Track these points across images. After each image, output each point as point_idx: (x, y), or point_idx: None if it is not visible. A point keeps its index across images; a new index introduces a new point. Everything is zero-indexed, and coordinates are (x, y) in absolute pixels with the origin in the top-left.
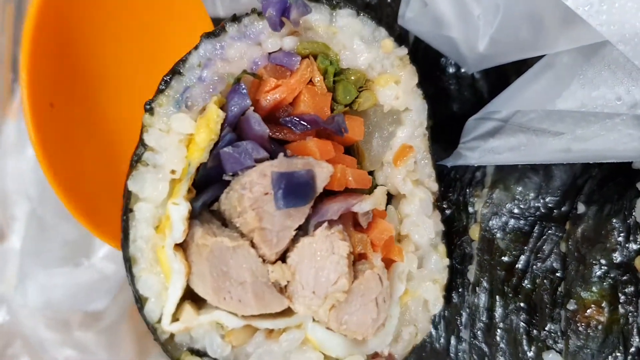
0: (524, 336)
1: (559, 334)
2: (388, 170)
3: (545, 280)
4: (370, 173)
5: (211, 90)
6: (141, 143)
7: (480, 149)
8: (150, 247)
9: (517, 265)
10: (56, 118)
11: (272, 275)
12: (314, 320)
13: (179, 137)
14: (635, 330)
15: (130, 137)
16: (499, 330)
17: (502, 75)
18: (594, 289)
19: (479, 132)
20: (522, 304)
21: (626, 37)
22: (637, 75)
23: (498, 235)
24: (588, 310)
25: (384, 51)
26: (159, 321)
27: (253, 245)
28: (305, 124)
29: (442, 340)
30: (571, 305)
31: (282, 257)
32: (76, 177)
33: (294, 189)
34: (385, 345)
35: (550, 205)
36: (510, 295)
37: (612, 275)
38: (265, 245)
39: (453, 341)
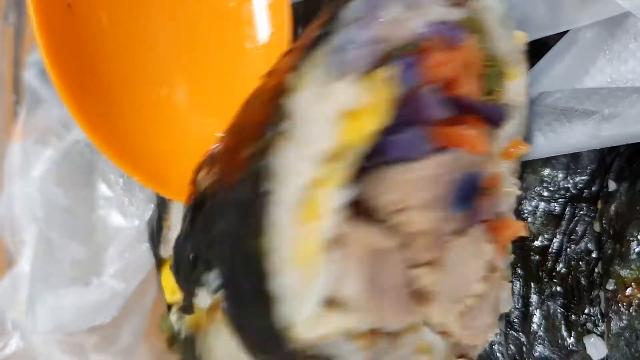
0: (563, 321)
1: (599, 316)
2: (492, 167)
3: (580, 262)
4: None
5: (371, 57)
6: (277, 109)
7: None
8: (292, 236)
9: (550, 249)
10: (74, 23)
11: (423, 279)
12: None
13: (338, 111)
14: None
15: (179, 57)
16: (535, 317)
17: None
18: (633, 266)
19: None
20: (558, 289)
21: None
22: None
23: (529, 219)
24: (628, 289)
25: (516, 41)
26: (288, 327)
27: (403, 247)
28: (462, 108)
29: None
30: (610, 285)
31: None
32: (99, 102)
33: (469, 192)
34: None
35: (580, 185)
36: (545, 280)
37: None
38: (427, 251)
39: None
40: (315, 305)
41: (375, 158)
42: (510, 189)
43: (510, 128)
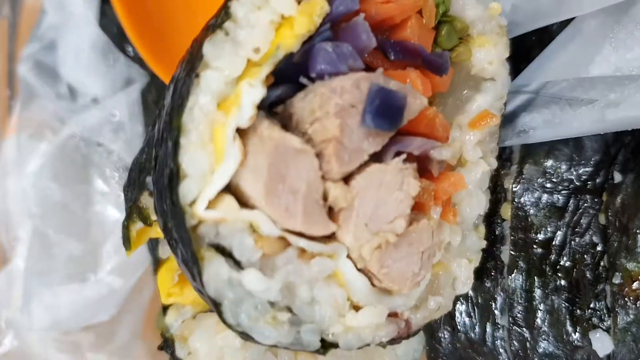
0: (568, 316)
1: (605, 311)
2: (456, 134)
3: (585, 256)
4: None
5: None
6: (225, 10)
7: (514, 124)
8: (207, 121)
9: (554, 242)
10: None
11: (332, 193)
12: (348, 256)
13: (272, 17)
14: None
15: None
16: (539, 312)
17: (524, 50)
18: (639, 260)
19: (510, 106)
20: (562, 283)
21: None
22: None
23: (531, 211)
24: (635, 283)
25: (490, 13)
26: (192, 204)
27: (318, 158)
28: (407, 52)
29: (477, 328)
30: (617, 279)
31: (345, 180)
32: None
33: (386, 110)
34: (407, 307)
35: (583, 177)
36: (550, 274)
37: None
38: (337, 160)
39: (489, 328)
40: (217, 187)
41: (295, 69)
42: (474, 159)
43: (481, 98)
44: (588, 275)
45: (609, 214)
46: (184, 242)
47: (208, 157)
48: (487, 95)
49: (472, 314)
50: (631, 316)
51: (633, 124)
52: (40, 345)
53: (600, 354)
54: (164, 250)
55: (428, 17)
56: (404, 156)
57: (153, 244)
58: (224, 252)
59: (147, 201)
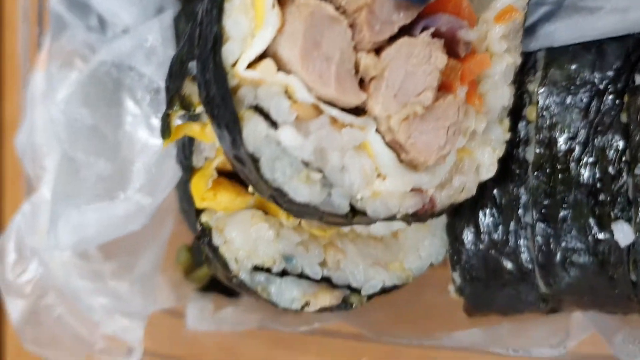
0: (590, 210)
1: (626, 204)
2: (483, 27)
3: (608, 151)
4: None
5: None
6: None
7: (537, 34)
8: None
9: (577, 140)
10: None
11: (364, 62)
12: (377, 131)
13: None
14: None
15: None
16: (563, 207)
17: None
18: None
19: (533, 18)
20: (585, 178)
21: None
22: None
23: (556, 111)
24: None
25: None
26: (234, 65)
27: (351, 28)
28: None
29: (500, 229)
30: (639, 170)
31: (376, 52)
32: None
33: None
34: (432, 185)
35: (605, 80)
36: (572, 169)
37: None
38: (368, 29)
39: (512, 227)
40: (257, 50)
41: None
42: (500, 52)
43: None
44: (610, 170)
45: (631, 112)
46: (227, 103)
47: (249, 22)
48: None
49: (495, 214)
50: None
51: None
52: (64, 272)
53: (622, 244)
54: (199, 159)
55: None
56: (432, 29)
57: (186, 154)
58: (262, 114)
59: (189, 89)
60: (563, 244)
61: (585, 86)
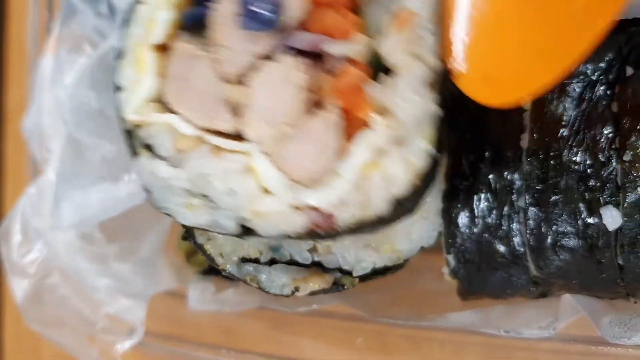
0: (580, 195)
1: (615, 189)
2: (388, 38)
3: (599, 139)
4: None
5: None
6: None
7: None
8: (136, 43)
9: (570, 128)
10: None
11: (229, 92)
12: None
13: None
14: None
15: None
16: (554, 193)
17: None
18: None
19: None
20: (576, 165)
21: None
22: None
23: (550, 100)
24: None
25: None
26: (125, 109)
27: (216, 62)
28: None
29: (494, 212)
30: (627, 157)
31: (244, 81)
32: None
33: (254, 13)
34: (327, 203)
35: (598, 71)
36: (565, 156)
37: None
38: (224, 64)
39: (506, 212)
40: (142, 95)
41: None
42: (403, 62)
43: None
44: (600, 157)
45: (621, 102)
46: (127, 143)
47: (136, 72)
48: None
49: (489, 199)
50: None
51: None
52: (68, 254)
53: (610, 228)
54: None
55: None
56: (292, 52)
57: None
58: (151, 150)
59: None
60: (554, 228)
61: (579, 76)
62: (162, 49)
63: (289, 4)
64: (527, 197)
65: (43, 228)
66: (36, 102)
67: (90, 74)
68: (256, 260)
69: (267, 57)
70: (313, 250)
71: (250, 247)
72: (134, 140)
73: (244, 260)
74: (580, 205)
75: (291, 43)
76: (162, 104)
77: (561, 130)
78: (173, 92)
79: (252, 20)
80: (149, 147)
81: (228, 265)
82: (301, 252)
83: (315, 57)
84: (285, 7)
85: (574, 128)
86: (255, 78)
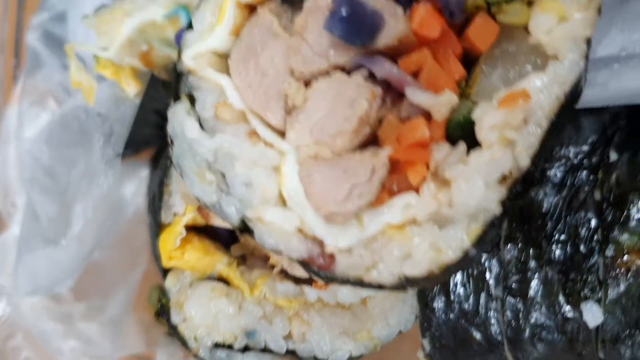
0: (560, 288)
1: (596, 283)
2: (488, 109)
3: (580, 229)
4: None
5: None
6: None
7: None
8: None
9: (551, 216)
10: None
11: (288, 87)
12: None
13: None
14: None
15: None
16: (533, 283)
17: None
18: (632, 233)
19: None
20: (557, 255)
21: None
22: None
23: (530, 185)
24: (626, 256)
25: None
26: (183, 51)
27: (292, 51)
28: None
29: (471, 299)
30: (610, 252)
31: (308, 82)
32: None
33: (353, 21)
34: (335, 244)
35: (580, 155)
36: (545, 246)
37: None
38: (298, 57)
39: (483, 299)
40: (208, 45)
41: None
42: (487, 141)
43: (536, 78)
44: (582, 248)
45: (604, 190)
46: (174, 83)
47: (212, 18)
48: (546, 76)
49: (466, 284)
50: (622, 288)
51: (633, 94)
52: (33, 313)
53: (590, 325)
54: (167, 215)
55: None
56: (365, 71)
57: (155, 208)
58: (192, 102)
59: None
60: (532, 320)
61: (560, 160)
62: (249, 7)
63: (388, 27)
64: (504, 286)
65: (7, 285)
66: (1, 154)
67: (49, 131)
68: (230, 346)
69: (341, 68)
70: (288, 337)
71: (226, 329)
72: (181, 84)
73: (218, 345)
74: (561, 298)
75: (371, 67)
76: (225, 60)
77: (541, 219)
78: (238, 58)
79: (342, 26)
80: (192, 99)
81: (201, 350)
82: (276, 339)
83: (390, 88)
84: (383, 28)
85: (554, 216)
86: (320, 84)
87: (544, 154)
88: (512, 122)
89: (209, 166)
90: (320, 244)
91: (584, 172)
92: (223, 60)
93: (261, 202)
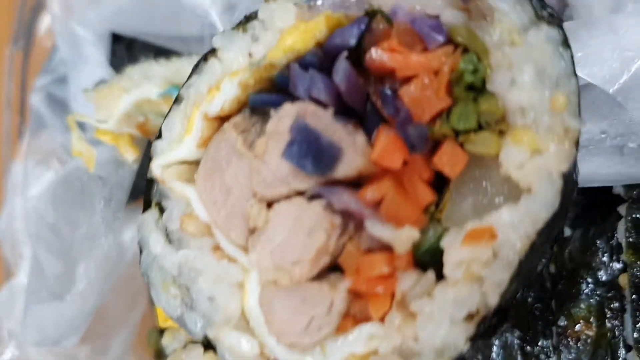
0: (519, 352)
1: (551, 348)
2: (454, 242)
3: (537, 300)
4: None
5: (341, 6)
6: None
7: None
8: (195, 99)
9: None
10: None
11: (250, 208)
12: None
13: (280, 28)
14: (621, 343)
15: None
16: (495, 347)
17: None
18: (582, 305)
19: None
20: (516, 322)
21: (606, 78)
22: (617, 110)
23: None
24: (577, 326)
25: (551, 107)
26: (152, 165)
27: (255, 173)
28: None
29: None
30: (562, 322)
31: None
32: None
33: (308, 152)
34: None
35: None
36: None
37: (598, 293)
38: (259, 179)
39: None
40: (176, 156)
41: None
42: (452, 278)
43: (506, 213)
44: (538, 316)
45: (558, 264)
46: (145, 190)
47: (181, 128)
48: (518, 212)
49: None
50: (572, 354)
51: (584, 181)
52: (39, 356)
53: None
54: None
55: (440, 85)
56: (324, 201)
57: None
58: (161, 211)
59: None
60: None
61: None
62: (218, 119)
63: (346, 158)
64: (471, 349)
65: (15, 330)
66: (8, 206)
67: (52, 190)
68: None
69: (301, 193)
70: None
71: None
72: (153, 192)
73: None
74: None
75: (329, 197)
76: (195, 168)
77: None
78: (204, 173)
79: (298, 155)
80: (161, 208)
81: None
82: None
83: (352, 216)
84: (341, 160)
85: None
86: (281, 207)
87: (518, 288)
88: (479, 258)
89: (173, 280)
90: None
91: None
92: (194, 168)
93: (224, 321)
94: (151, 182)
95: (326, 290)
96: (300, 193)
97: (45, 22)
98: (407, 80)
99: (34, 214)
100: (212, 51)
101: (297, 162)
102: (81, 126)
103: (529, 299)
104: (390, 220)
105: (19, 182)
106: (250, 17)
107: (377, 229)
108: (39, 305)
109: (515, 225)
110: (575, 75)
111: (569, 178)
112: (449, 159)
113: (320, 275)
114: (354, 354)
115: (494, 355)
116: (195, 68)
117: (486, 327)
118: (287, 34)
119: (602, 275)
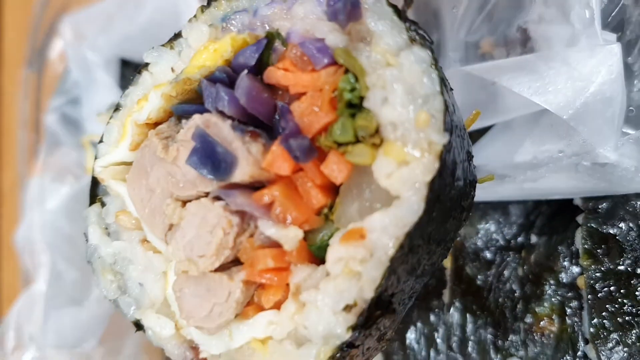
0: (491, 346)
1: (519, 343)
2: (337, 239)
3: (506, 300)
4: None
5: (250, 28)
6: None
7: None
8: (128, 108)
9: (483, 288)
10: None
11: (166, 207)
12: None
13: (195, 47)
14: (580, 337)
15: None
16: (470, 342)
17: None
18: (545, 304)
19: None
20: (488, 320)
21: (561, 105)
22: (572, 132)
23: (467, 263)
24: (542, 323)
25: (416, 124)
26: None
27: (172, 176)
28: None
29: (423, 352)
30: (528, 319)
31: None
32: None
33: (206, 159)
34: (208, 351)
35: (508, 237)
36: (479, 313)
37: (560, 293)
38: (173, 182)
39: (432, 353)
40: (112, 159)
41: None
42: (333, 272)
43: (379, 217)
44: (508, 314)
45: (525, 268)
46: (91, 186)
47: (118, 134)
48: (388, 216)
49: (419, 341)
50: (538, 348)
51: (546, 194)
52: (57, 358)
53: None
54: None
55: (324, 101)
56: (222, 203)
57: None
58: (103, 206)
59: None
60: None
61: (491, 242)
62: (149, 125)
63: (241, 166)
64: (448, 345)
65: (35, 334)
66: (27, 219)
67: (68, 204)
68: None
69: (206, 195)
70: None
71: None
72: (97, 189)
73: None
74: (492, 355)
75: (227, 199)
76: (126, 173)
77: (476, 289)
78: (133, 174)
79: (198, 162)
80: (102, 203)
81: None
82: None
83: (251, 217)
84: (237, 167)
85: (486, 288)
86: (191, 207)
87: (395, 284)
88: (356, 256)
89: (110, 267)
90: (196, 349)
91: (510, 252)
92: (129, 169)
93: (149, 305)
94: (95, 180)
95: (225, 280)
96: (207, 194)
97: (57, 47)
98: (299, 96)
99: (51, 226)
100: (145, 65)
101: (197, 168)
102: (94, 145)
103: (499, 299)
104: (281, 221)
105: (37, 197)
106: (177, 35)
107: (267, 228)
108: (58, 311)
109: (386, 227)
110: (442, 94)
111: (434, 187)
112: (333, 168)
113: (223, 267)
114: (255, 338)
115: (469, 349)
116: (131, 80)
117: (367, 318)
118: (199, 52)
119: (563, 278)
